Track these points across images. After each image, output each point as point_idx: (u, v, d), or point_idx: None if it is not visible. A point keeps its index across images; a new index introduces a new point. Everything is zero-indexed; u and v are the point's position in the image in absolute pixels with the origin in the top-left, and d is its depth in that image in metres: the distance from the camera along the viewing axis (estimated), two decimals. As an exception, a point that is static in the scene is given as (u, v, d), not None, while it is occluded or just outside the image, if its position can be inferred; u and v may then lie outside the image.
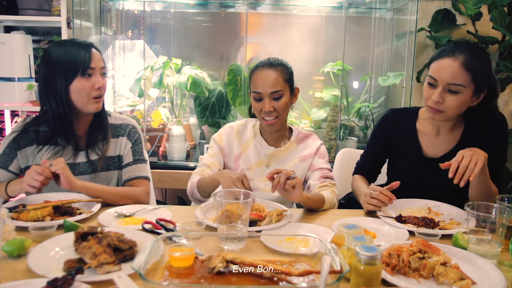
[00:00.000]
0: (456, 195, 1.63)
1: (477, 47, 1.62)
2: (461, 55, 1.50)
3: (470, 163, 1.40)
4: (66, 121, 1.62)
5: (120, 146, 1.76)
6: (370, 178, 1.83)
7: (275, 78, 1.65)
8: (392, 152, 1.77)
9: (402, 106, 1.83)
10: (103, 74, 1.65)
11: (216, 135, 1.84)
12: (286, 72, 1.68)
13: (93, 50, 1.62)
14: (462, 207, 1.59)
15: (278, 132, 1.78)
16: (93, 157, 1.70)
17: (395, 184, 1.52)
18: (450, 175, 1.41)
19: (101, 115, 1.72)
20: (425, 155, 1.70)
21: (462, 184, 1.40)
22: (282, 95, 1.66)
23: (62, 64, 1.58)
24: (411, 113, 1.76)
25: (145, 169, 1.78)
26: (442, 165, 1.46)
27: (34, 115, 1.72)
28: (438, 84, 1.52)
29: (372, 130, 1.86)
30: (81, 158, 1.69)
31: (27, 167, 1.61)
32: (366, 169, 1.83)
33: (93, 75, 1.60)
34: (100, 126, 1.72)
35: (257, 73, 1.69)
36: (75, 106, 1.62)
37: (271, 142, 1.79)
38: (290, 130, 1.83)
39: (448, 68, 1.50)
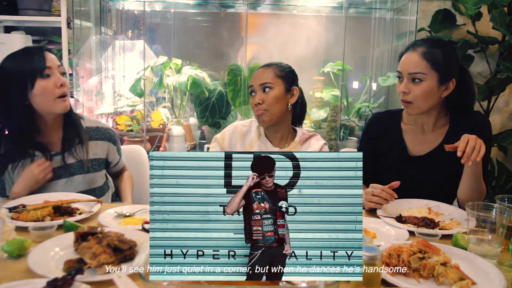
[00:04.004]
0: (441, 193, 1.67)
1: (437, 39, 1.71)
2: (420, 47, 1.62)
3: (475, 145, 1.45)
4: (30, 130, 1.62)
5: (102, 150, 1.78)
6: (367, 182, 1.83)
7: (266, 73, 1.72)
8: (379, 153, 1.78)
9: (399, 108, 1.87)
10: (63, 74, 1.63)
11: (219, 135, 1.84)
12: (279, 69, 1.73)
13: (46, 52, 1.61)
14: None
15: (281, 133, 1.78)
16: (70, 160, 1.68)
17: (395, 183, 1.52)
18: (459, 154, 1.45)
19: (71, 118, 1.71)
20: (409, 153, 1.73)
21: (469, 164, 1.45)
22: (271, 87, 1.70)
23: (18, 73, 1.56)
24: (395, 114, 1.82)
25: (124, 160, 1.96)
26: (447, 147, 1.50)
27: None
28: (403, 76, 1.63)
29: (360, 137, 1.90)
30: (56, 163, 1.66)
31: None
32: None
33: (52, 75, 1.59)
34: (74, 128, 1.70)
35: (254, 72, 1.77)
36: (41, 111, 1.61)
37: (276, 143, 1.79)
38: (295, 131, 1.83)
39: (409, 59, 1.62)
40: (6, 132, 1.67)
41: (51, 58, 1.61)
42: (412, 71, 1.60)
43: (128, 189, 1.91)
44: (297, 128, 1.84)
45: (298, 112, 1.82)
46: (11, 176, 1.63)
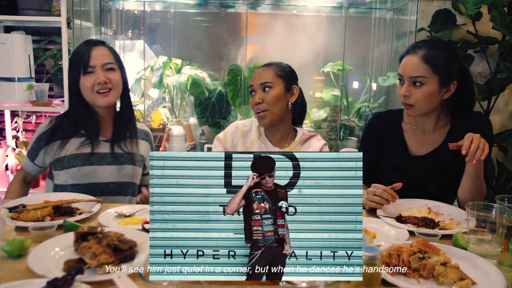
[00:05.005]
0: (442, 193, 1.67)
1: (437, 41, 1.69)
2: (421, 50, 1.61)
3: (480, 144, 1.46)
4: (87, 115, 1.73)
5: (145, 150, 1.88)
6: (368, 182, 1.83)
7: (267, 72, 1.72)
8: (380, 153, 1.78)
9: (399, 108, 1.87)
10: (110, 70, 1.70)
11: (222, 135, 1.84)
12: (279, 69, 1.73)
13: (95, 48, 1.69)
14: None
15: (281, 133, 1.78)
16: (117, 150, 1.77)
17: (398, 185, 1.53)
18: (463, 152, 1.46)
19: (124, 112, 1.80)
20: (410, 153, 1.74)
21: (474, 162, 1.45)
22: (271, 87, 1.70)
23: (70, 64, 1.72)
24: (396, 114, 1.82)
25: None
26: (451, 145, 1.51)
27: (60, 113, 1.83)
28: (404, 80, 1.63)
29: (361, 138, 1.89)
30: (106, 149, 1.75)
31: (56, 160, 1.71)
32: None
33: (94, 73, 1.67)
34: (125, 123, 1.80)
35: (254, 71, 1.77)
36: (88, 101, 1.71)
37: (276, 143, 1.79)
38: (295, 131, 1.83)
39: (410, 63, 1.61)
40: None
41: (97, 55, 1.68)
42: (413, 74, 1.59)
43: None
44: (298, 128, 1.84)
45: (298, 111, 1.82)
46: (56, 151, 1.71)
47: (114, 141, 1.77)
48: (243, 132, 1.83)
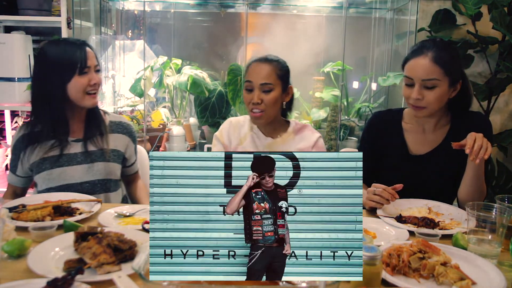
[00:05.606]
0: (442, 193, 1.68)
1: (443, 42, 1.68)
2: (429, 51, 1.58)
3: (483, 143, 1.46)
4: (60, 116, 1.70)
5: (122, 144, 1.84)
6: (368, 182, 1.83)
7: (268, 71, 1.69)
8: (380, 153, 1.78)
9: (399, 107, 1.87)
10: (97, 71, 1.71)
11: (218, 133, 1.86)
12: (280, 69, 1.71)
13: (87, 48, 1.68)
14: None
15: (273, 125, 1.78)
16: (91, 148, 1.75)
17: (399, 186, 1.53)
18: (467, 151, 1.46)
19: (94, 111, 1.79)
20: (410, 153, 1.74)
21: (477, 161, 1.45)
22: (272, 89, 1.68)
23: (58, 64, 1.64)
24: (396, 114, 1.82)
25: (138, 165, 2.00)
26: (454, 145, 1.51)
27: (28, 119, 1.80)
28: (415, 83, 1.59)
29: (361, 137, 1.90)
30: (78, 149, 1.73)
31: (30, 165, 1.70)
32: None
33: (89, 73, 1.67)
34: (96, 120, 1.78)
35: (252, 65, 1.74)
36: (71, 101, 1.68)
37: (268, 133, 1.80)
38: (287, 122, 1.84)
39: (420, 66, 1.58)
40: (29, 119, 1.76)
41: (91, 56, 1.69)
42: (426, 77, 1.57)
43: (146, 198, 1.93)
44: (290, 120, 1.84)
45: (287, 106, 1.81)
46: (29, 157, 1.70)
47: (86, 140, 1.75)
48: (237, 125, 1.85)
